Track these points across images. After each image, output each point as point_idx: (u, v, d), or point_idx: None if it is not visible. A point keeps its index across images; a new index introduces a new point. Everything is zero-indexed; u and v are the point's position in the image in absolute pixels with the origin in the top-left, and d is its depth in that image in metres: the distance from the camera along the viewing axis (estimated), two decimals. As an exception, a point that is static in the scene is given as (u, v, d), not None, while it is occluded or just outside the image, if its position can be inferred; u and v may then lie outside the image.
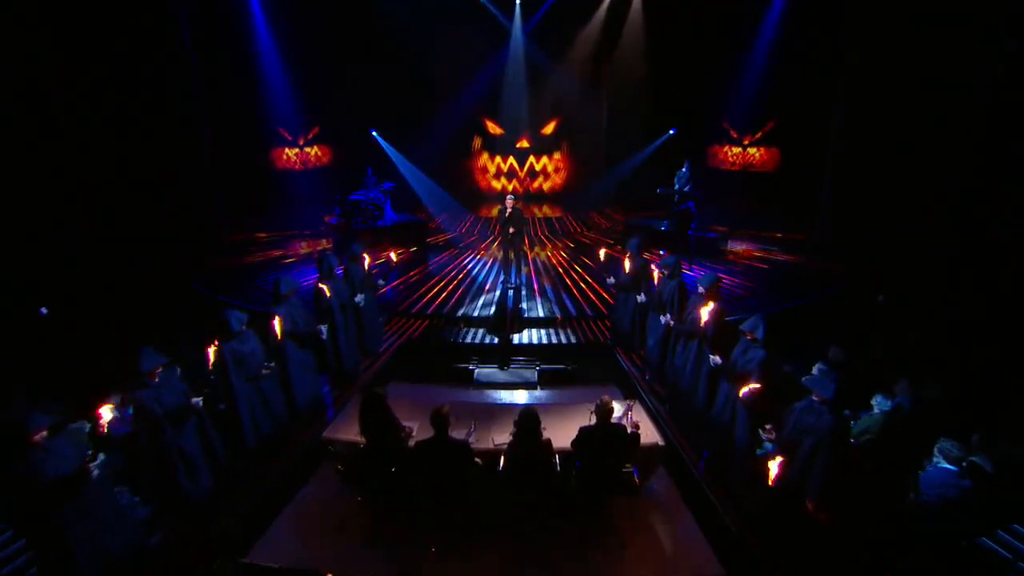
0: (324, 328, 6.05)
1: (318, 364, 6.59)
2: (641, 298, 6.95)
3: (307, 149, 16.84)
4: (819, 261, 11.78)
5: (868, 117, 11.96)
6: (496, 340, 8.44)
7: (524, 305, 9.34)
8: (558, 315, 9.01)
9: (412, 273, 11.12)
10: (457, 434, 5.27)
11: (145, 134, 11.58)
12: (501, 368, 7.87)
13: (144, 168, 11.60)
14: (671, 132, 15.59)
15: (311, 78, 15.15)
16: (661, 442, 5.25)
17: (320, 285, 6.21)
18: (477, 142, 16.95)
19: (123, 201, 11.24)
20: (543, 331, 8.70)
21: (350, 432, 5.11)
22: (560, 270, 11.38)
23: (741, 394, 4.36)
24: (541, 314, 9.06)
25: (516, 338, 8.50)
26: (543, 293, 9.99)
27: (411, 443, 5.13)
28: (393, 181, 13.42)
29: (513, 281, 10.11)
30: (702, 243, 12.06)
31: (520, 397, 7.30)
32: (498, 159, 17.05)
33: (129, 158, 11.39)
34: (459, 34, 14.50)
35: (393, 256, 7.59)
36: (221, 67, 13.17)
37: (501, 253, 10.24)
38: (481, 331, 8.68)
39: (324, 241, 13.19)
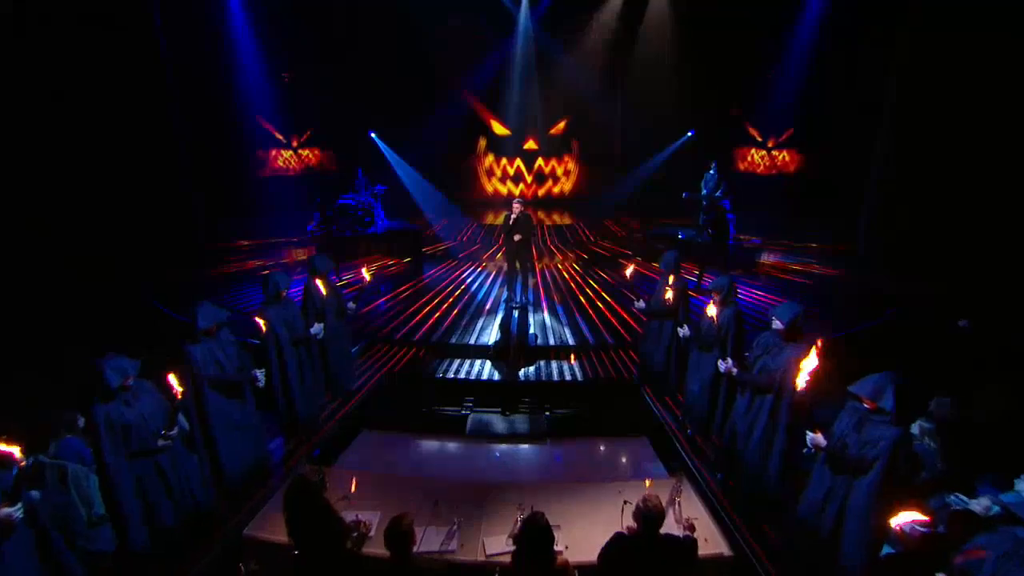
0: (261, 373, 4.37)
1: (264, 415, 4.95)
2: (684, 331, 5.23)
3: (301, 151, 15.34)
4: (870, 276, 10.04)
5: (920, 114, 10.30)
6: (496, 375, 6.77)
7: (532, 329, 7.66)
8: (571, 343, 7.32)
9: (402, 288, 9.47)
10: (437, 532, 3.63)
11: (110, 132, 10.04)
12: (502, 413, 6.18)
13: (105, 170, 10.05)
14: (690, 134, 14.00)
15: (300, 73, 13.69)
16: (726, 551, 3.54)
17: (256, 316, 4.51)
18: (482, 144, 15.33)
19: (78, 204, 9.69)
20: (554, 363, 7.01)
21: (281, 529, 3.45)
22: (573, 285, 9.68)
23: (899, 524, 2.66)
24: (552, 341, 7.37)
25: (521, 372, 6.82)
26: (553, 313, 8.31)
27: (366, 545, 3.48)
28: (386, 184, 11.83)
29: (519, 299, 8.46)
30: (734, 254, 10.37)
31: (525, 455, 5.61)
32: (504, 161, 15.42)
33: (88, 157, 9.85)
34: (460, 20, 12.85)
35: (366, 273, 5.94)
36: (198, 62, 11.69)
37: (506, 265, 8.59)
38: (479, 363, 7.01)
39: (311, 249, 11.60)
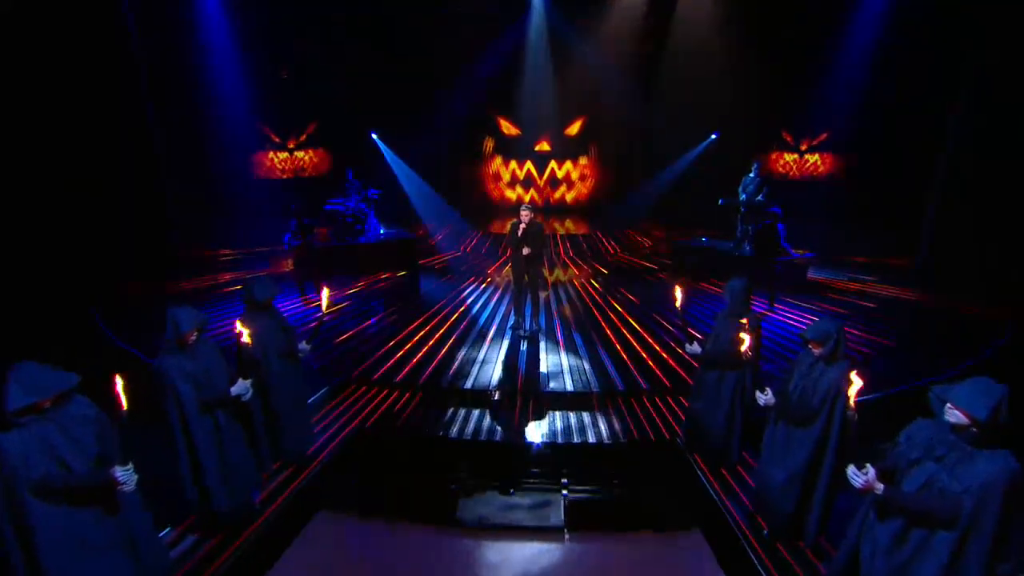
0: (125, 472, 2.71)
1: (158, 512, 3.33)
2: (766, 398, 3.51)
3: (297, 153, 13.89)
4: (945, 296, 8.26)
5: (996, 116, 8.58)
6: (499, 431, 5.10)
7: (543, 367, 5.99)
8: (594, 387, 5.62)
9: (391, 309, 7.85)
10: None
11: (73, 131, 8.58)
12: (504, 491, 4.50)
13: (62, 171, 8.57)
14: (713, 136, 12.38)
15: (296, 69, 12.27)
16: None
17: (117, 383, 2.70)
18: (488, 144, 13.68)
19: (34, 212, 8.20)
20: (572, 416, 5.32)
21: None
22: (593, 308, 7.98)
23: None
24: (569, 385, 5.68)
25: (530, 427, 5.15)
26: (570, 345, 6.62)
27: None
28: (382, 188, 10.25)
29: (528, 326, 6.82)
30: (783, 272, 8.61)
31: (534, 561, 3.92)
32: (513, 164, 13.77)
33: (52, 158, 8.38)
34: (464, 3, 11.20)
35: (324, 299, 4.30)
36: (173, 58, 10.29)
37: (513, 284, 6.92)
38: (476, 413, 5.34)
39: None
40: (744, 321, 3.81)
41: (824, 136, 12.64)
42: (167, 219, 10.46)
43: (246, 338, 3.44)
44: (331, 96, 12.56)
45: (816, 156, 12.73)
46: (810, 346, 3.41)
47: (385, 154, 12.44)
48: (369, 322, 7.37)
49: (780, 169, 13.08)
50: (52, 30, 8.21)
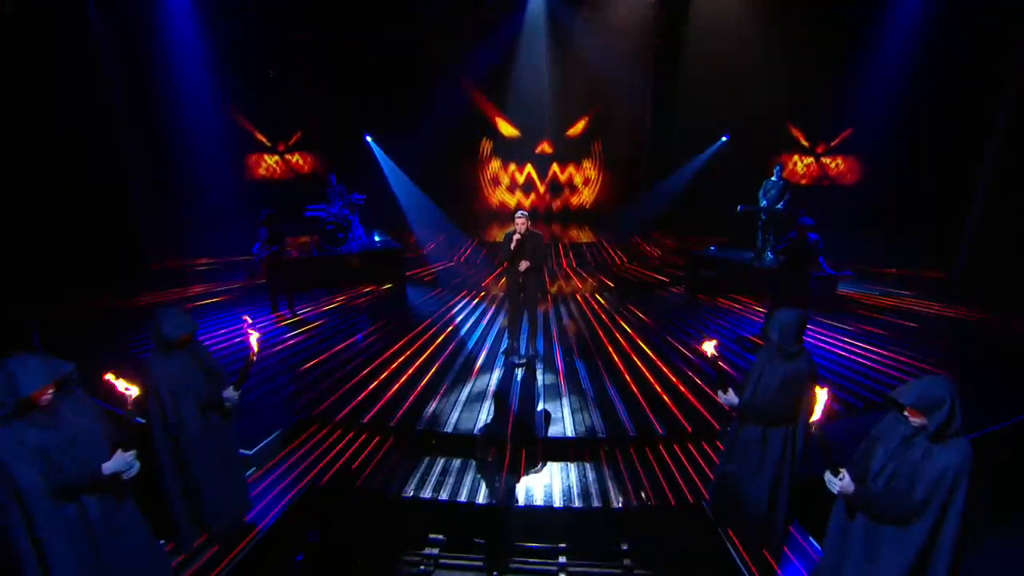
0: None
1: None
2: (840, 483, 2.47)
3: (288, 156, 13.01)
4: (995, 312, 7.19)
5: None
6: (483, 490, 4.07)
7: (540, 405, 4.97)
8: (601, 433, 4.58)
9: (371, 330, 6.86)
10: None
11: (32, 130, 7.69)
12: (486, 573, 3.47)
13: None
14: (724, 139, 11.44)
15: (286, 67, 11.41)
16: None
17: None
18: (486, 147, 12.72)
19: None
20: (573, 468, 4.29)
21: None
22: (599, 330, 6.92)
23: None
24: (570, 428, 4.64)
25: (522, 485, 4.13)
26: (573, 378, 5.57)
27: None
28: (368, 193, 9.29)
29: (524, 351, 5.81)
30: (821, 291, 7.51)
31: None
32: (512, 167, 12.80)
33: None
34: None
35: (253, 340, 3.31)
36: (137, 55, 9.40)
37: (508, 303, 5.89)
38: (456, 466, 4.32)
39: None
40: (790, 359, 2.77)
41: (846, 134, 11.62)
42: (136, 227, 9.52)
43: (128, 390, 2.44)
44: (322, 98, 11.71)
45: (839, 159, 11.69)
46: (906, 413, 2.37)
47: (378, 157, 11.55)
48: (356, 338, 6.44)
49: (786, 176, 12.05)
50: (12, 27, 7.34)
